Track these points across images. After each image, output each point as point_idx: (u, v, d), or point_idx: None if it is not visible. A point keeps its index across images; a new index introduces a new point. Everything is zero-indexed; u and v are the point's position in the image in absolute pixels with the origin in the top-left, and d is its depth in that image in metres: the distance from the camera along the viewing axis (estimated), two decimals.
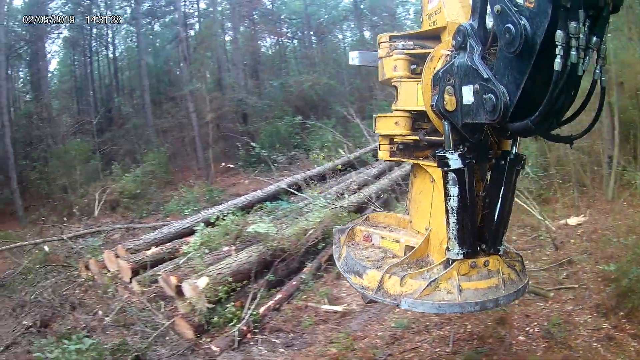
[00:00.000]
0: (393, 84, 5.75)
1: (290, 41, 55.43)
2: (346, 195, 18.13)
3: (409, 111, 5.62)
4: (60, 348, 9.95)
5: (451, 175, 4.70)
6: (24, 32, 41.70)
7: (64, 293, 15.23)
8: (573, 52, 3.56)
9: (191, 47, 40.59)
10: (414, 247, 5.62)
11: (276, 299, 12.49)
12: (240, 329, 11.03)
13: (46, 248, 19.82)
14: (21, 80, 47.01)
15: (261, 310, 11.88)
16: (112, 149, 36.54)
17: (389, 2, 53.24)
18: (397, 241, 6.02)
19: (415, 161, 5.77)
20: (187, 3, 46.73)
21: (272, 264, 13.59)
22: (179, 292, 12.16)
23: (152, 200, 28.17)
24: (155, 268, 14.17)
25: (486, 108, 4.09)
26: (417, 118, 5.65)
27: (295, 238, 13.98)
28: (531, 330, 9.63)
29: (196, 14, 47.33)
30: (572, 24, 3.48)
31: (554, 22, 3.51)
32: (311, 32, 51.81)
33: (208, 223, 15.82)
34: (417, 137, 5.64)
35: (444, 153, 4.72)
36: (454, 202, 4.77)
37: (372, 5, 51.62)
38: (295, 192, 19.94)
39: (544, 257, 12.98)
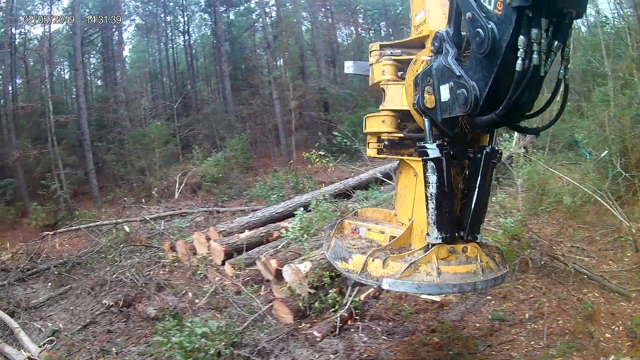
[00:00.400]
0: (381, 86, 6.21)
1: (366, 32, 55.20)
2: None
3: (394, 111, 6.10)
4: (185, 332, 9.73)
5: (430, 164, 5.17)
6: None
7: (147, 273, 15.17)
8: (535, 55, 4.01)
9: (272, 35, 40.50)
10: None
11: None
12: (342, 315, 10.74)
13: (127, 228, 19.85)
14: (92, 66, 47.73)
15: (362, 297, 11.58)
16: (190, 134, 36.70)
17: None
18: (382, 232, 6.46)
19: (400, 157, 6.24)
20: None
21: None
22: (278, 276, 11.98)
23: (234, 185, 28.21)
24: (250, 252, 14.03)
25: (459, 101, 4.56)
26: (402, 118, 6.12)
27: None
28: (616, 328, 9.75)
29: (272, 2, 47.26)
30: (534, 31, 3.94)
31: (519, 28, 3.97)
32: (386, 24, 51.47)
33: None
34: (401, 134, 6.13)
35: (424, 144, 5.23)
36: (432, 189, 5.19)
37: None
38: (389, 181, 19.70)
39: (625, 259, 13.01)
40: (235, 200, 25.49)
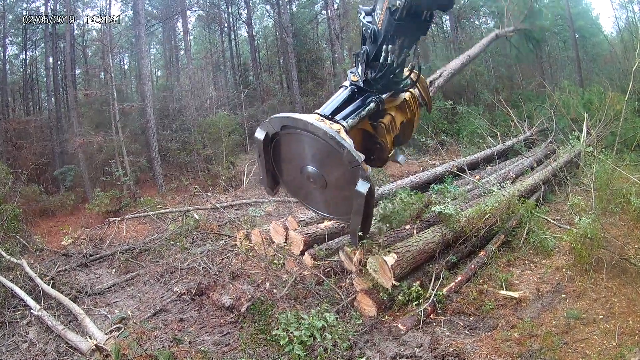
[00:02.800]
0: None
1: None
2: (508, 183, 17.70)
3: None
4: (303, 325, 9.93)
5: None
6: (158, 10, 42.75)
7: (220, 262, 15.13)
8: (392, 55, 5.81)
9: (339, 27, 40.63)
10: None
11: (457, 281, 12.33)
12: (425, 308, 10.91)
13: (196, 215, 20.15)
14: (152, 56, 48.32)
15: (444, 290, 11.78)
16: (256, 124, 36.48)
17: None
18: None
19: None
20: None
21: (451, 246, 13.50)
22: (362, 267, 12.14)
23: None
24: (329, 242, 14.22)
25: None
26: None
27: (474, 221, 13.88)
28: None
29: None
30: (391, 45, 5.77)
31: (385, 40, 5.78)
32: (449, 18, 50.99)
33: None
34: None
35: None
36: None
37: None
38: (465, 175, 20.23)
39: None
40: None
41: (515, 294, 11.77)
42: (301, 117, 5.33)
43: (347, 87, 6.29)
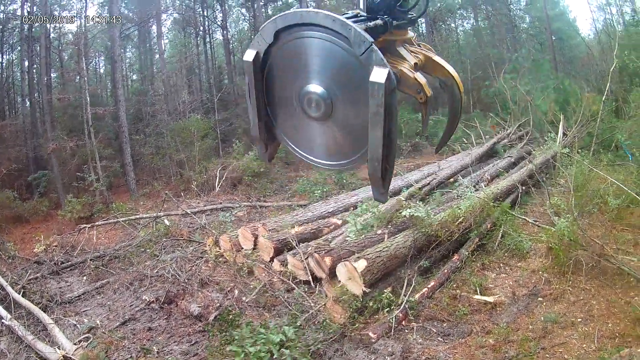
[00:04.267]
0: None
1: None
2: (482, 185, 17.78)
3: None
4: (259, 340, 9.59)
5: None
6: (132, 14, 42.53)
7: (190, 269, 14.88)
8: None
9: None
10: None
11: (430, 286, 12.17)
12: (397, 315, 10.74)
13: (167, 221, 19.84)
14: (128, 60, 47.97)
15: (416, 296, 11.60)
16: (229, 128, 36.55)
17: None
18: None
19: None
20: None
21: (424, 251, 13.34)
22: (332, 274, 11.93)
23: (276, 180, 28.21)
24: (300, 248, 13.74)
25: None
26: None
27: (447, 225, 13.67)
28: None
29: None
30: None
31: None
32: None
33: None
34: None
35: None
36: None
37: None
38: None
39: None
40: (277, 195, 25.49)
41: (490, 299, 11.66)
42: (297, 10, 3.80)
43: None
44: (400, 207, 14.50)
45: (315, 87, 3.77)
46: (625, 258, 12.70)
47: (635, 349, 9.00)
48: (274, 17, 3.71)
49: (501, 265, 13.76)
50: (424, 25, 49.00)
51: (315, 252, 12.81)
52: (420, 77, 4.03)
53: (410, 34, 4.67)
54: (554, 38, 44.57)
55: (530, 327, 10.52)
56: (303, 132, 4.23)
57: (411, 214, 13.54)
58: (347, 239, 13.55)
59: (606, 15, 43.04)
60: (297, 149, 4.42)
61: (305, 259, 12.89)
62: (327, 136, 4.11)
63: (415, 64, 4.27)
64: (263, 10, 46.68)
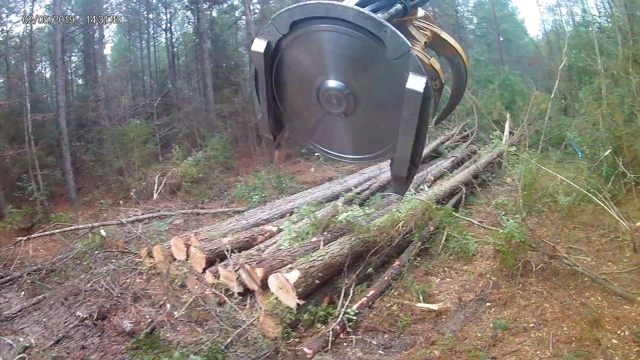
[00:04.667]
0: None
1: None
2: (425, 187, 17.69)
3: None
4: None
5: None
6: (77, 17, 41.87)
7: (124, 282, 14.34)
8: None
9: (255, 31, 40.32)
10: None
11: (369, 295, 11.70)
12: (334, 328, 10.27)
13: (103, 232, 19.18)
14: (74, 64, 47.14)
15: (354, 307, 11.10)
16: (170, 133, 36.00)
17: None
18: None
19: None
20: None
21: (362, 257, 12.84)
22: (264, 286, 11.35)
23: (215, 185, 27.62)
24: (233, 258, 13.09)
25: None
26: None
27: (386, 230, 13.32)
28: (622, 333, 9.63)
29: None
30: None
31: None
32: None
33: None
34: None
35: None
36: None
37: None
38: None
39: (625, 259, 12.94)
40: (215, 201, 25.00)
41: (434, 306, 11.26)
42: (319, 1, 3.25)
43: None
44: (336, 213, 14.02)
45: (336, 84, 3.34)
46: (578, 258, 12.60)
47: None
48: (291, 7, 3.24)
49: (446, 269, 13.44)
50: None
51: (246, 262, 12.18)
52: (436, 63, 3.79)
53: (421, 12, 4.25)
54: (502, 39, 45.54)
55: (479, 335, 10.16)
56: (320, 127, 3.83)
57: (347, 218, 13.18)
58: (281, 247, 13.07)
59: (555, 17, 43.90)
60: (314, 143, 4.01)
61: (236, 270, 12.23)
62: (347, 131, 3.69)
63: (425, 42, 4.10)
64: (208, 13, 46.21)
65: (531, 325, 10.27)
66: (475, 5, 53.59)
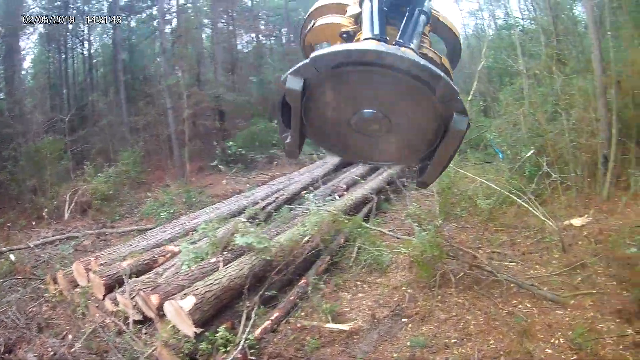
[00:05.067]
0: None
1: (267, 39, 54.94)
2: (336, 197, 17.43)
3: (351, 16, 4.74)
4: None
5: None
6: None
7: (31, 311, 13.57)
8: None
9: (169, 42, 39.93)
10: None
11: (273, 318, 11.22)
12: (235, 357, 9.63)
13: (12, 257, 18.35)
14: None
15: (257, 332, 10.59)
16: (85, 148, 35.31)
17: None
18: None
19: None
20: None
21: (265, 277, 12.41)
22: (161, 313, 10.65)
23: (126, 202, 26.85)
24: (131, 283, 12.36)
25: None
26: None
27: (291, 246, 12.94)
28: (556, 341, 9.48)
29: (174, 9, 46.39)
30: None
31: None
32: (287, 30, 51.94)
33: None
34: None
35: None
36: (365, 4, 4.27)
37: None
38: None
39: (554, 261, 12.93)
40: (126, 219, 24.25)
41: (345, 326, 10.78)
42: (367, 47, 3.30)
43: None
44: (236, 231, 13.37)
45: (376, 113, 3.36)
46: (502, 263, 12.56)
47: None
48: (336, 50, 3.19)
49: (358, 283, 12.98)
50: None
51: (141, 289, 11.50)
52: (447, 62, 4.03)
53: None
54: None
55: (395, 355, 9.74)
56: (346, 138, 3.78)
57: (244, 242, 12.55)
58: (180, 270, 12.39)
59: (477, 21, 44.94)
60: (331, 150, 4.03)
61: (132, 297, 11.49)
62: (380, 142, 3.70)
63: (429, 31, 4.22)
64: (126, 22, 45.57)
65: (453, 340, 9.94)
66: None
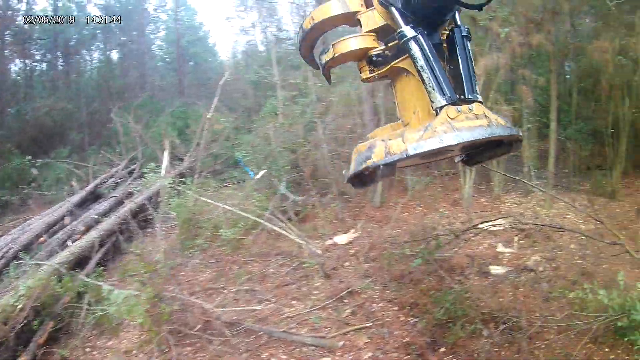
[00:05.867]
0: (357, 18, 5.04)
1: (39, 64, 51.90)
2: (69, 243, 14.87)
3: (372, 31, 4.99)
4: None
5: (411, 44, 4.47)
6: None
7: None
8: None
9: None
10: None
11: None
12: None
13: None
14: None
15: None
16: None
17: (139, 20, 52.96)
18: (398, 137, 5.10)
19: (391, 64, 4.95)
20: None
21: None
22: None
23: None
24: None
25: None
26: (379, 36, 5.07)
27: (4, 316, 10.53)
28: None
29: None
30: None
31: None
32: (59, 53, 49.99)
33: None
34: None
35: (400, 30, 4.53)
36: (421, 62, 4.45)
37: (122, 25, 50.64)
38: None
39: (315, 292, 11.42)
40: None
41: None
42: (470, 137, 4.08)
43: (410, 36, 4.43)
44: None
45: (451, 154, 4.91)
46: (249, 306, 10.87)
47: None
48: (427, 144, 4.06)
49: (87, 350, 10.65)
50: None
51: None
52: None
53: None
54: (191, 63, 50.09)
55: None
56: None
57: None
58: None
59: (250, 38, 45.70)
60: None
61: None
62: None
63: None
64: None
65: None
66: (166, 30, 55.29)
